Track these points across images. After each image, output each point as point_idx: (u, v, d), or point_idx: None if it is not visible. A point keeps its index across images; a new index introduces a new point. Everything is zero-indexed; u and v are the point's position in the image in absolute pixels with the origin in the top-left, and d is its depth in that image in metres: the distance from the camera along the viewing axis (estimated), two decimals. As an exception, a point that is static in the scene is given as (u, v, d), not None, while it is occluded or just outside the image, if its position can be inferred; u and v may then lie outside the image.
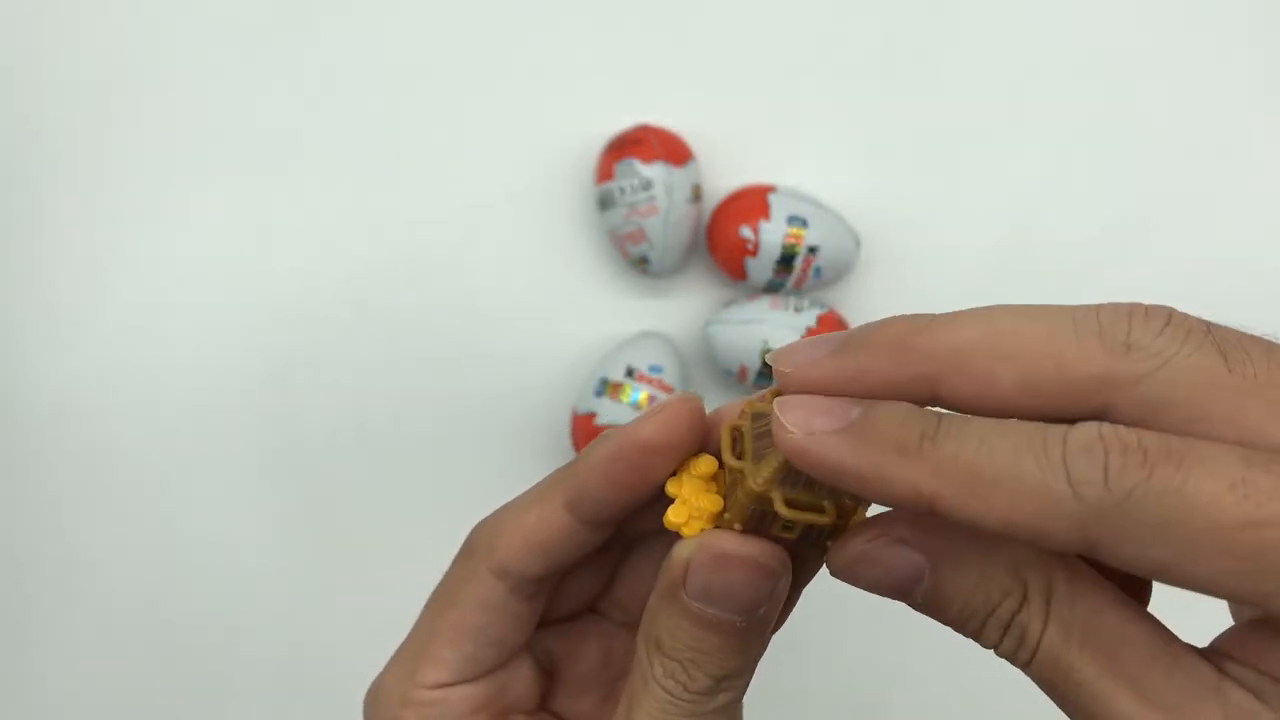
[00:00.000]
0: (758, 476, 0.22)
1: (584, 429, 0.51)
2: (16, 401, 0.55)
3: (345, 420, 0.55)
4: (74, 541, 0.55)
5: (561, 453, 0.54)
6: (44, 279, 0.55)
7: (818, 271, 0.51)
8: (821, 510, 0.22)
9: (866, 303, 0.54)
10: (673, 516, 0.23)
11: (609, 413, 0.50)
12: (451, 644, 0.25)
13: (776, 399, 0.21)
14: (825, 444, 0.20)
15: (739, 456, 0.23)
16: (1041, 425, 0.18)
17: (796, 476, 0.21)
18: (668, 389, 0.51)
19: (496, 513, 0.26)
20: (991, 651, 0.21)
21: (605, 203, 0.51)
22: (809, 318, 0.51)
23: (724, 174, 0.53)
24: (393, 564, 0.55)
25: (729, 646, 0.23)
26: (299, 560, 0.55)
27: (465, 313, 0.55)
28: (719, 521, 0.23)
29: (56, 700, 0.56)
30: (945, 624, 0.21)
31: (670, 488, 0.24)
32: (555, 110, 0.54)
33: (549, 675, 0.28)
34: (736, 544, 0.22)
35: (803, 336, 0.50)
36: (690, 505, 0.23)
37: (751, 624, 0.23)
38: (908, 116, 0.54)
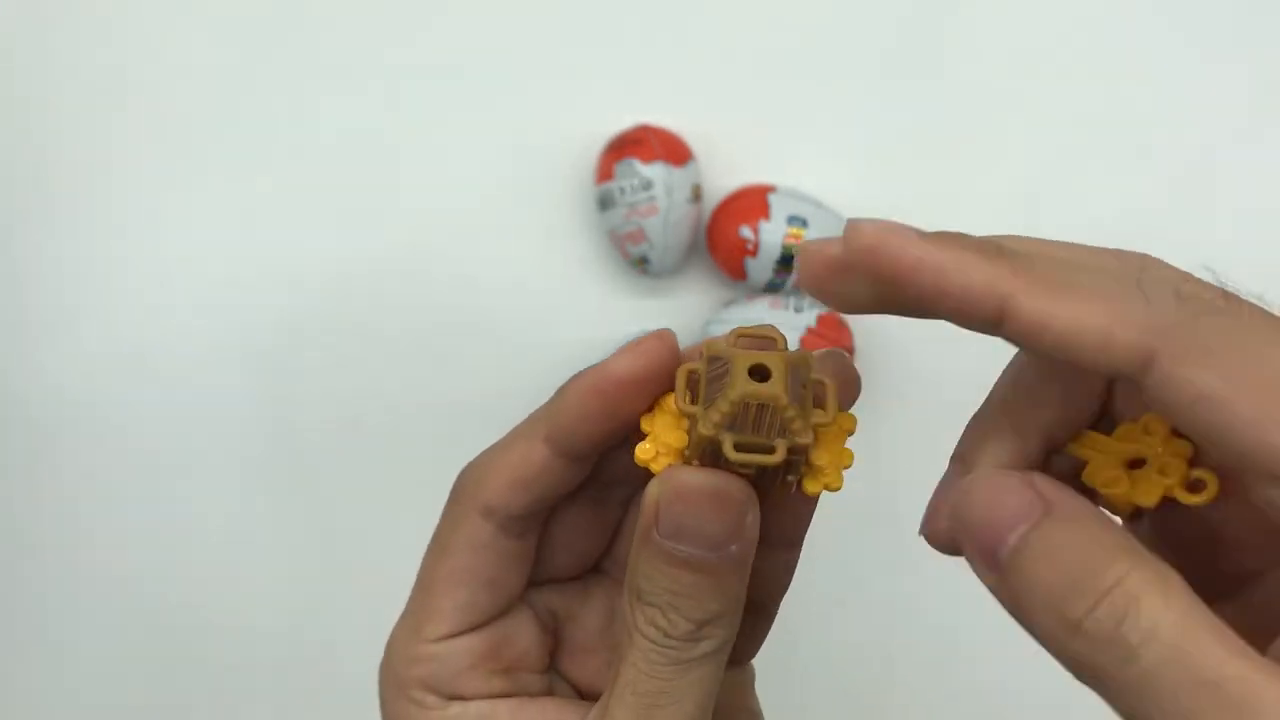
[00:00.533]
0: (708, 420, 0.22)
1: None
2: (15, 400, 0.55)
3: (346, 419, 0.55)
4: (73, 539, 0.55)
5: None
6: (43, 278, 0.55)
7: (818, 271, 0.51)
8: (771, 451, 0.22)
9: (866, 303, 0.54)
10: (640, 454, 0.23)
11: (609, 413, 0.50)
12: (447, 592, 0.26)
13: (853, 219, 0.21)
14: (906, 237, 0.20)
15: (695, 400, 0.23)
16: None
17: (745, 419, 0.22)
18: (668, 389, 0.51)
19: (481, 454, 0.27)
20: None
21: (605, 203, 0.51)
22: (809, 317, 0.51)
23: (724, 174, 0.53)
24: (393, 563, 0.55)
25: (705, 586, 0.22)
26: (300, 557, 0.55)
27: (464, 313, 0.55)
28: (683, 458, 0.23)
29: (57, 697, 0.56)
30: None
31: (644, 424, 0.24)
32: (555, 110, 0.54)
33: (554, 636, 0.28)
34: (696, 477, 0.22)
35: (802, 336, 0.50)
36: (659, 441, 0.23)
37: (725, 561, 0.22)
38: (908, 116, 0.54)
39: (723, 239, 0.51)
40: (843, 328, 0.51)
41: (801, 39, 0.54)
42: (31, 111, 0.55)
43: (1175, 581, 0.18)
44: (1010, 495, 0.19)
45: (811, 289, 0.22)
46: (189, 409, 0.55)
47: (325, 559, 0.55)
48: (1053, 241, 0.21)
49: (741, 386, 0.21)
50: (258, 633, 0.55)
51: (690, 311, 0.54)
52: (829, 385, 0.23)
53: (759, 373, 0.22)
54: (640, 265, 0.52)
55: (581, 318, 0.54)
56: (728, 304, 0.52)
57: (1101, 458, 0.23)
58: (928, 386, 0.54)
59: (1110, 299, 0.19)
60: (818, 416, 0.22)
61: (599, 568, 0.28)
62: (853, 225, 0.21)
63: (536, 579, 0.27)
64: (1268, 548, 0.21)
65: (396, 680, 0.26)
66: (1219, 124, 0.54)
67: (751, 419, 0.22)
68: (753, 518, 0.23)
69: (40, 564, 0.56)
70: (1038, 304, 0.19)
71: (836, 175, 0.54)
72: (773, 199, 0.51)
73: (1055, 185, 0.54)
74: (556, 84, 0.55)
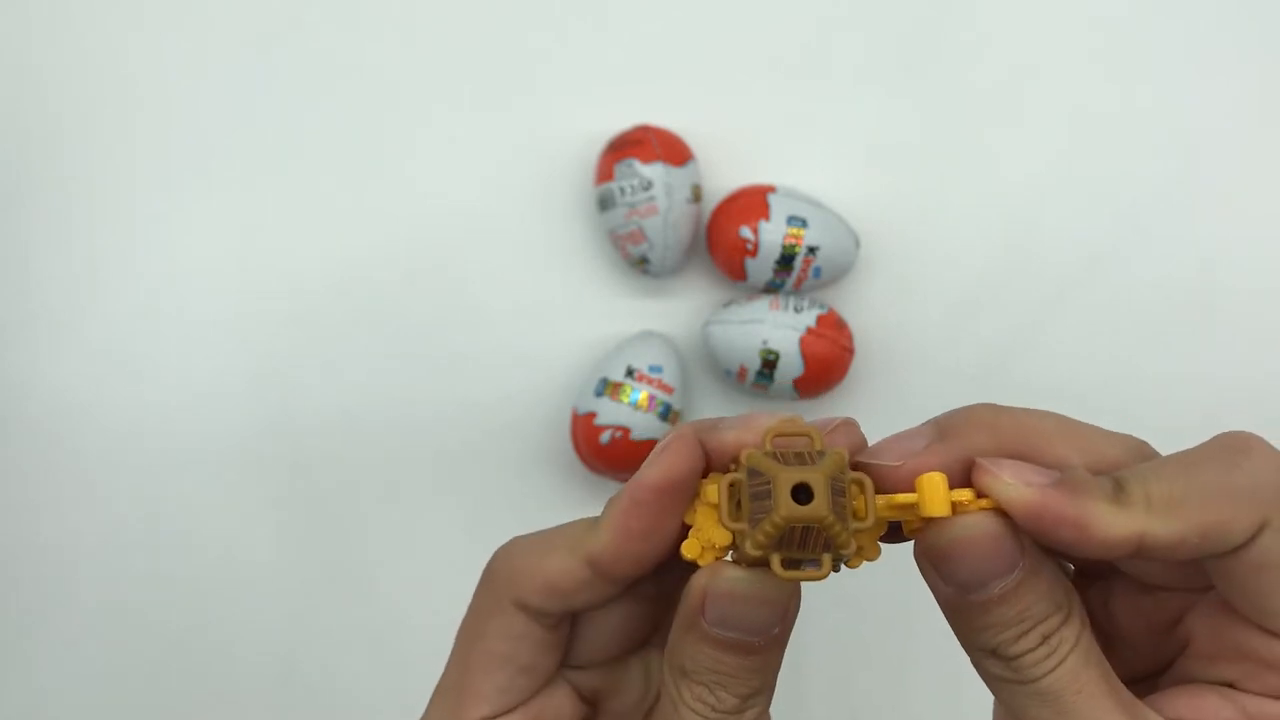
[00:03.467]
0: (754, 540, 0.22)
1: (584, 429, 0.51)
2: (11, 404, 0.55)
3: (344, 421, 0.55)
4: (68, 545, 0.55)
5: (562, 453, 0.54)
6: (44, 280, 0.55)
7: (817, 271, 0.51)
8: (818, 565, 0.22)
9: (866, 303, 0.54)
10: (686, 551, 0.24)
11: (609, 413, 0.50)
12: (486, 674, 0.26)
13: (984, 459, 0.23)
14: (1047, 495, 0.22)
15: (739, 509, 0.23)
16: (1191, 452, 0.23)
17: (790, 538, 0.22)
18: (668, 389, 0.51)
19: (518, 545, 0.26)
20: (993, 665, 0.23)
21: (605, 203, 0.51)
22: (809, 318, 0.51)
23: (724, 174, 0.53)
24: (393, 564, 0.55)
25: (750, 665, 0.24)
26: (297, 561, 0.55)
27: (465, 313, 0.55)
28: (726, 553, 0.24)
29: (54, 698, 0.56)
30: (987, 626, 0.23)
31: (687, 516, 0.24)
32: (555, 110, 0.54)
33: (593, 707, 0.28)
34: (743, 583, 0.23)
35: (802, 335, 0.50)
36: (703, 537, 0.24)
37: (768, 643, 0.24)
38: (908, 117, 0.54)
39: (723, 239, 0.51)
40: (842, 327, 0.51)
41: (802, 39, 0.54)
42: (33, 114, 0.55)
43: (1087, 635, 0.23)
44: (1005, 552, 0.23)
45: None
46: (189, 411, 0.55)
47: (326, 559, 0.55)
48: (1167, 459, 0.24)
49: (786, 510, 0.22)
50: (258, 633, 0.55)
51: (690, 311, 0.54)
52: (866, 485, 0.23)
53: (802, 493, 0.22)
54: (640, 265, 0.52)
55: (581, 318, 0.54)
56: (728, 304, 0.52)
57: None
58: (928, 386, 0.54)
59: (1225, 492, 0.22)
60: (857, 524, 0.23)
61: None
62: (995, 465, 0.23)
63: (574, 663, 0.27)
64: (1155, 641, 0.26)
65: None
66: (1219, 124, 0.54)
67: (798, 538, 0.22)
68: (795, 605, 0.24)
69: (40, 565, 0.56)
70: (1171, 531, 0.22)
71: (836, 175, 0.54)
72: (773, 199, 0.51)
73: (1055, 185, 0.54)
74: (556, 84, 0.55)
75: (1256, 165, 0.54)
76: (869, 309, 0.54)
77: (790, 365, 0.50)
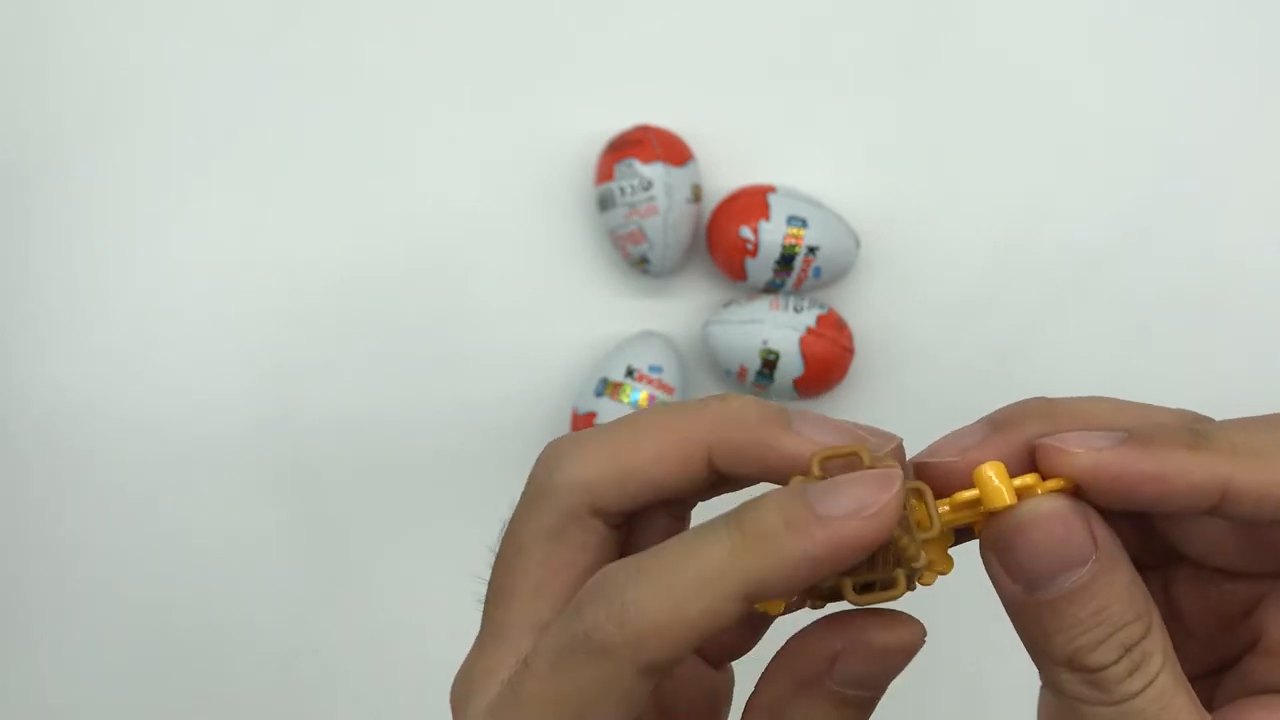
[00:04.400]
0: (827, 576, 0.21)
1: (584, 429, 0.51)
2: (11, 405, 0.55)
3: (343, 421, 0.55)
4: (68, 544, 0.55)
5: (561, 453, 0.54)
6: (45, 280, 0.55)
7: (818, 271, 0.51)
8: (892, 585, 0.22)
9: (866, 303, 0.54)
10: (766, 606, 0.22)
11: (609, 413, 0.50)
12: (559, 575, 0.23)
13: (1046, 439, 0.22)
14: (1121, 455, 0.21)
15: None
16: None
17: (857, 560, 0.21)
18: (668, 389, 0.51)
19: (632, 590, 0.21)
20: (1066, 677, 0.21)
21: (605, 203, 0.51)
22: (809, 318, 0.51)
23: (724, 174, 0.53)
24: (392, 565, 0.55)
25: (863, 717, 0.23)
26: (297, 561, 0.55)
27: (464, 313, 0.55)
28: (800, 598, 0.23)
29: (53, 699, 0.56)
30: (1060, 629, 0.21)
31: None
32: (555, 110, 0.54)
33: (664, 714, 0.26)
34: (883, 635, 0.22)
35: (802, 335, 0.50)
36: None
37: (881, 693, 0.23)
38: (908, 117, 0.54)
39: (723, 239, 0.51)
40: (842, 327, 0.51)
41: (802, 39, 0.54)
42: (33, 114, 0.55)
43: (1170, 649, 0.21)
44: (1074, 537, 0.21)
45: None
46: (189, 410, 0.55)
47: (326, 559, 0.55)
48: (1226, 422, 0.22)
49: None
50: (258, 633, 0.55)
51: (690, 311, 0.54)
52: (925, 493, 0.22)
53: None
54: (640, 265, 0.52)
55: (581, 318, 0.54)
56: (728, 304, 0.52)
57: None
58: (928, 386, 0.54)
59: None
60: (922, 534, 0.22)
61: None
62: (1058, 438, 0.22)
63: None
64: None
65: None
66: (1219, 124, 0.54)
67: (866, 560, 0.21)
68: None
69: (39, 566, 0.56)
70: (1257, 479, 0.21)
71: (836, 175, 0.54)
72: (773, 199, 0.51)
73: (1056, 185, 0.54)
74: (556, 84, 0.55)
75: (1256, 165, 0.54)
76: (869, 309, 0.54)
77: (790, 365, 0.50)
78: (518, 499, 0.24)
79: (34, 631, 0.56)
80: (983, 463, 0.22)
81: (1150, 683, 0.21)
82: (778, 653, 0.23)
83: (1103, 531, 0.21)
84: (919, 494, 0.22)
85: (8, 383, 0.55)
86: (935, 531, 0.22)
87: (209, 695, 0.56)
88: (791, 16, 0.54)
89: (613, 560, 0.22)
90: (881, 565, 0.22)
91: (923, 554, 0.22)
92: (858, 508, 0.20)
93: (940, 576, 0.23)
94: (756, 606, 0.21)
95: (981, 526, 0.22)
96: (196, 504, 0.55)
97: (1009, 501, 0.21)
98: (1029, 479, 0.22)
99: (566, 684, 0.21)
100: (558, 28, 0.54)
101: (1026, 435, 0.22)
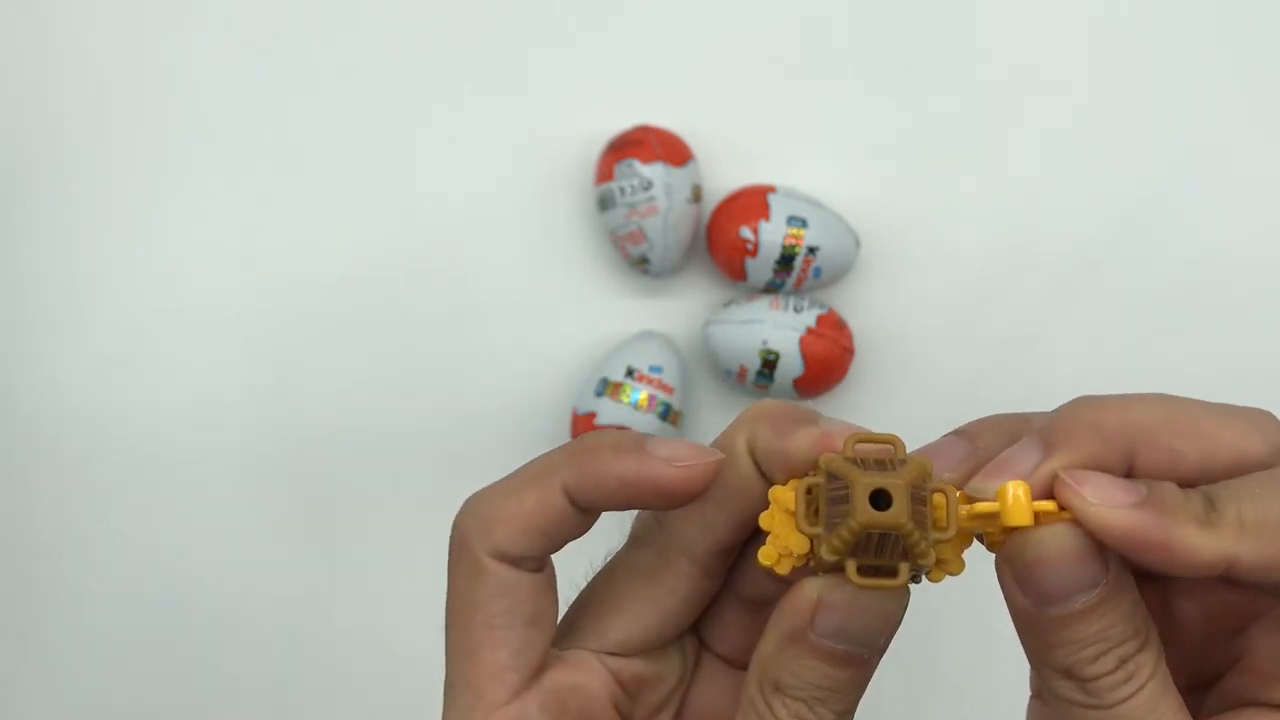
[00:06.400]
0: (830, 546, 0.22)
1: (584, 429, 0.51)
2: (13, 404, 0.55)
3: (344, 421, 0.55)
4: (67, 545, 0.55)
5: (561, 453, 0.54)
6: (44, 280, 0.55)
7: (817, 272, 0.51)
8: (895, 574, 0.22)
9: (866, 303, 0.54)
10: (763, 558, 0.23)
11: (609, 413, 0.50)
12: (494, 646, 0.25)
13: (1066, 472, 0.22)
14: (1132, 517, 0.21)
15: (815, 514, 0.22)
16: None
17: (867, 545, 0.22)
18: (668, 389, 0.51)
19: (480, 499, 0.25)
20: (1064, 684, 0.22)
21: (605, 203, 0.51)
22: (809, 318, 0.51)
23: (724, 174, 0.53)
24: (392, 564, 0.55)
25: (853, 679, 0.23)
26: (296, 562, 0.55)
27: (465, 313, 0.55)
28: (810, 561, 0.23)
29: (53, 699, 0.56)
30: (1064, 643, 0.22)
31: (763, 522, 0.24)
32: (555, 110, 0.54)
33: (629, 693, 0.27)
34: (865, 596, 0.23)
35: (802, 335, 0.50)
36: (780, 544, 0.23)
37: (876, 654, 0.23)
38: (908, 116, 0.54)
39: (723, 239, 0.51)
40: (842, 327, 0.51)
41: (802, 39, 0.54)
42: (34, 114, 0.55)
43: (1164, 662, 0.22)
44: (1089, 563, 0.22)
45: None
46: (189, 411, 0.55)
47: (325, 560, 0.55)
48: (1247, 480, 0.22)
49: (863, 515, 0.21)
50: (257, 634, 0.55)
51: (690, 311, 0.54)
52: (948, 493, 0.22)
53: (880, 499, 0.22)
54: (640, 265, 0.52)
55: (581, 318, 0.54)
56: (728, 304, 0.52)
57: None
58: (928, 386, 0.54)
59: None
60: (937, 535, 0.22)
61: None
62: (1073, 479, 0.22)
63: (612, 651, 0.26)
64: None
65: None
66: (1219, 123, 0.54)
67: (874, 545, 0.22)
68: (902, 614, 0.24)
69: (39, 565, 0.56)
70: (1263, 555, 0.21)
71: (836, 175, 0.54)
72: (773, 199, 0.51)
73: (1055, 185, 0.54)
74: (556, 84, 0.55)
75: (1256, 165, 0.54)
76: (869, 309, 0.54)
77: (790, 365, 0.50)
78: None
79: (33, 631, 0.55)
80: (1020, 480, 0.22)
81: (1141, 688, 0.22)
82: (772, 612, 0.24)
83: (1114, 557, 0.22)
84: (944, 494, 0.22)
85: (7, 383, 0.55)
86: (950, 535, 0.22)
87: (209, 695, 0.56)
88: (792, 16, 0.54)
89: (542, 592, 0.25)
90: (890, 554, 0.22)
91: (933, 552, 0.22)
92: (674, 456, 0.24)
93: (950, 577, 0.23)
94: (761, 561, 0.23)
95: (994, 539, 0.23)
96: (196, 504, 0.55)
97: (1028, 523, 0.22)
98: (1050, 505, 0.22)
99: (452, 584, 0.25)
100: (558, 28, 0.54)
101: (1079, 458, 0.23)
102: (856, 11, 0.54)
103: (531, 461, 0.25)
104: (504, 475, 0.25)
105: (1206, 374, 0.53)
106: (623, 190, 0.51)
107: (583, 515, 0.25)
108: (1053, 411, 0.24)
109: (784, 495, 0.24)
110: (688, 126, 0.53)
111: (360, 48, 0.55)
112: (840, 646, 0.23)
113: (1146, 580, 0.24)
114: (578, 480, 0.24)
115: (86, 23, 0.55)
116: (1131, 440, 0.23)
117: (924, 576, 0.23)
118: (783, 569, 0.23)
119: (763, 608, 0.26)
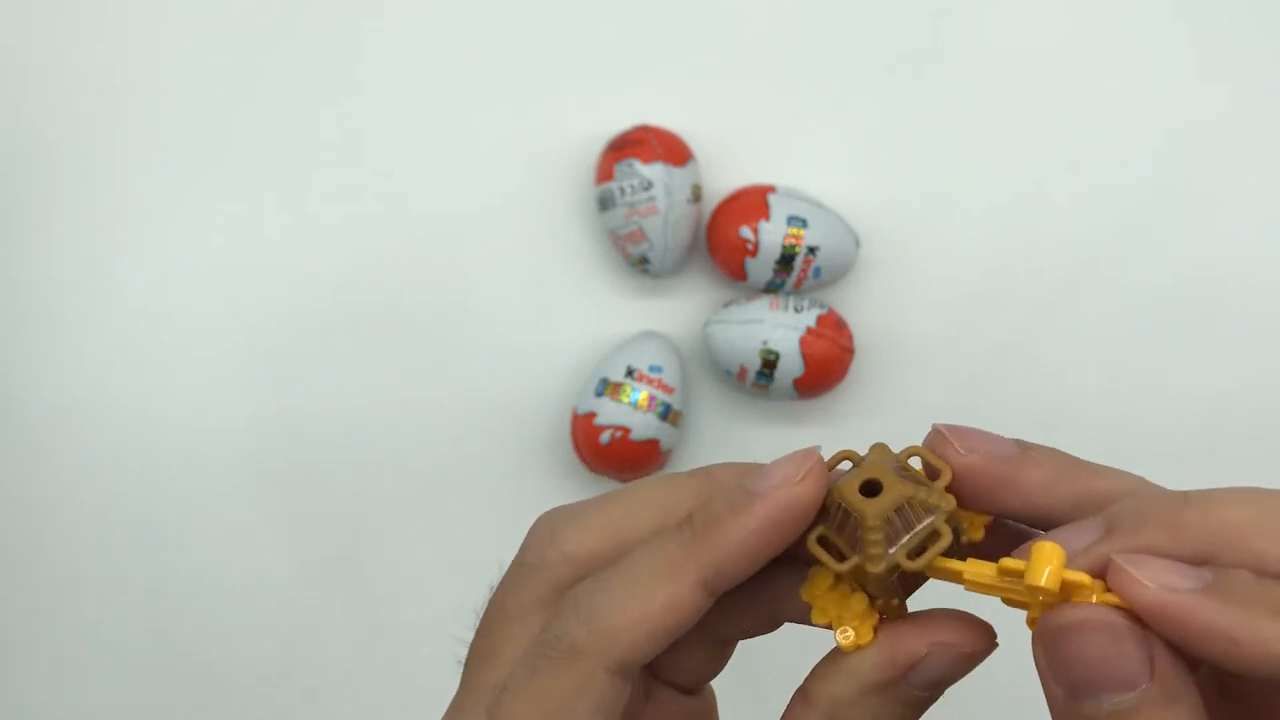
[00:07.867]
0: (870, 553, 0.22)
1: (584, 429, 0.51)
2: (14, 405, 0.55)
3: (344, 421, 0.55)
4: (68, 545, 0.55)
5: (562, 453, 0.54)
6: (43, 281, 0.55)
7: (818, 271, 0.51)
8: (938, 537, 0.22)
9: (866, 303, 0.54)
10: (842, 641, 0.23)
11: (609, 413, 0.50)
12: None
13: (1121, 556, 0.20)
14: (1193, 603, 0.19)
15: (841, 558, 0.23)
16: None
17: (894, 529, 0.22)
18: (668, 389, 0.51)
19: (598, 600, 0.22)
20: None
21: (605, 203, 0.51)
22: (809, 318, 0.51)
23: (724, 174, 0.53)
24: (392, 564, 0.55)
25: (921, 714, 0.23)
26: (297, 561, 0.55)
27: (465, 314, 0.55)
28: (883, 610, 0.23)
29: (53, 699, 0.56)
30: None
31: (804, 595, 0.24)
32: (555, 110, 0.54)
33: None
34: (980, 642, 0.22)
35: (802, 335, 0.50)
36: (834, 616, 0.23)
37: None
38: (907, 116, 0.54)
39: (723, 239, 0.51)
40: (842, 327, 0.51)
41: (802, 39, 0.54)
42: (32, 114, 0.55)
43: None
44: (1125, 656, 0.19)
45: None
46: (189, 411, 0.55)
47: (326, 559, 0.55)
48: None
49: (869, 505, 0.22)
50: (258, 633, 0.55)
51: (690, 311, 0.54)
52: (922, 455, 0.23)
53: (870, 487, 0.22)
54: (640, 265, 0.52)
55: (581, 318, 0.54)
56: (728, 304, 0.52)
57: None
58: (928, 386, 0.54)
59: None
60: (935, 485, 0.23)
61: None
62: (1130, 562, 0.20)
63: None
64: None
65: None
66: (1219, 124, 0.54)
67: (899, 524, 0.22)
68: None
69: (39, 565, 0.56)
70: None
71: (836, 175, 0.54)
72: (773, 199, 0.51)
73: (1056, 185, 0.54)
74: (556, 85, 0.55)
75: (1256, 165, 0.54)
76: (869, 309, 0.54)
77: (790, 365, 0.50)
78: (507, 566, 0.24)
79: (33, 631, 0.56)
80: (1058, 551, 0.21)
81: None
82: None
83: (1165, 660, 0.19)
84: (915, 454, 0.23)
85: (7, 383, 0.55)
86: (946, 481, 0.23)
87: (209, 695, 0.56)
88: (792, 17, 0.54)
89: (622, 705, 0.23)
90: (917, 518, 0.22)
91: (947, 499, 0.22)
92: (786, 478, 0.22)
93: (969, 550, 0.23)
94: (843, 645, 0.23)
95: (1033, 614, 0.21)
96: (196, 504, 0.55)
97: (1048, 587, 0.20)
98: (1085, 578, 0.20)
99: (542, 692, 0.22)
100: (558, 28, 0.54)
101: (1144, 544, 0.20)
102: (857, 11, 0.54)
103: (647, 548, 0.22)
104: (615, 569, 0.22)
105: (1206, 373, 0.53)
106: (623, 190, 0.51)
107: (711, 598, 0.23)
108: (1131, 500, 0.22)
109: (816, 580, 0.23)
110: (688, 126, 0.53)
111: (360, 49, 0.55)
112: (928, 694, 0.23)
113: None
114: (716, 572, 0.22)
115: (86, 23, 0.55)
116: (1212, 539, 0.20)
117: (961, 534, 0.23)
118: (866, 639, 0.23)
119: (733, 643, 0.26)
